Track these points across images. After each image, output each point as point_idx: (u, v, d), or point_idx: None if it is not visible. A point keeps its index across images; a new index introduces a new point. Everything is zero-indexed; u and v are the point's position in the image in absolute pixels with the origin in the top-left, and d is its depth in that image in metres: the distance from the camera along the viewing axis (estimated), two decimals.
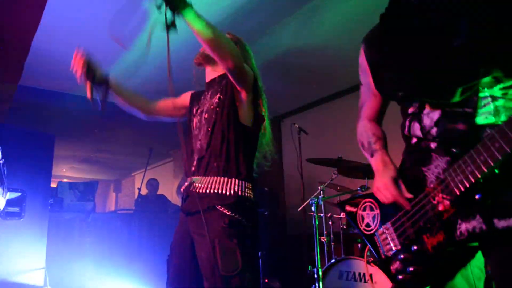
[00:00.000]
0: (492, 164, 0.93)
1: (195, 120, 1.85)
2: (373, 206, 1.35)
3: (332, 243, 3.41)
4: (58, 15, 3.27)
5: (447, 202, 1.06)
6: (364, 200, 1.39)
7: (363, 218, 1.37)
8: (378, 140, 1.35)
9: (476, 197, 1.00)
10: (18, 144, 3.47)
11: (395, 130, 1.38)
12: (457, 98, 1.03)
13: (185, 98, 2.01)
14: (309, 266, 3.08)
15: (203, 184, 1.66)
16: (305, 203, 3.45)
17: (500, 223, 0.94)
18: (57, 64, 4.11)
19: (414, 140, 1.21)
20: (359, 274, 2.81)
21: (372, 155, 1.34)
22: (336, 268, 3.02)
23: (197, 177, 1.70)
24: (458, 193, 1.03)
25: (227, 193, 1.61)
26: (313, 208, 3.19)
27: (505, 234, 0.94)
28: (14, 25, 3.40)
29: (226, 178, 1.64)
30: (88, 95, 1.78)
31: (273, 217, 5.21)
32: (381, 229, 1.29)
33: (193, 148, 1.80)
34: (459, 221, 1.03)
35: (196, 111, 1.86)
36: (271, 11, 3.38)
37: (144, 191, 6.04)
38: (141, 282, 4.33)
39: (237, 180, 1.64)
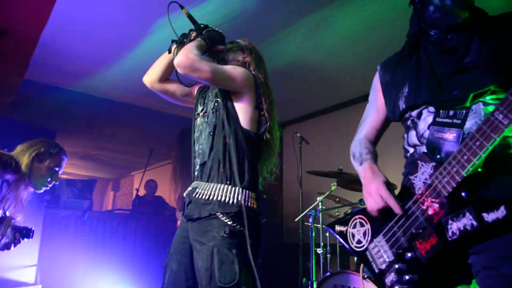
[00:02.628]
0: (474, 161, 1.01)
1: (198, 121, 1.81)
2: (363, 221, 1.36)
3: (328, 255, 3.38)
4: (67, 11, 3.27)
5: (436, 205, 1.12)
6: (354, 218, 1.39)
7: (353, 236, 1.38)
8: (369, 153, 1.41)
9: (463, 194, 1.05)
10: (19, 138, 3.44)
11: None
12: (467, 104, 1.12)
13: (193, 90, 1.96)
14: (304, 279, 3.05)
15: (206, 190, 1.62)
16: (303, 213, 3.42)
17: (490, 217, 0.98)
18: (63, 60, 4.12)
19: (410, 151, 1.29)
20: None
21: (361, 164, 1.40)
22: (331, 281, 2.98)
23: (200, 182, 1.67)
24: (446, 194, 1.08)
25: (230, 201, 1.58)
26: (310, 220, 3.17)
27: (495, 227, 0.98)
28: (23, 19, 3.41)
29: (229, 186, 1.60)
30: None
31: (270, 225, 5.18)
32: (373, 243, 1.29)
33: (194, 150, 1.77)
34: (450, 222, 1.07)
35: (201, 111, 1.82)
36: (278, 21, 3.39)
37: (142, 192, 6.01)
38: (133, 284, 4.30)
39: (241, 189, 1.60)
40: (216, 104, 1.72)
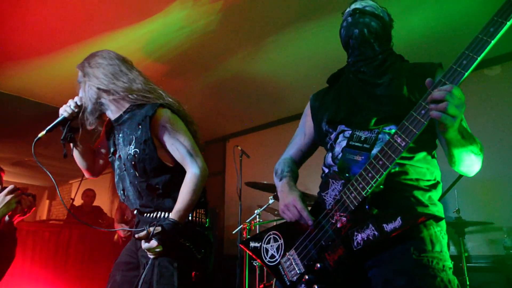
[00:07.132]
0: (377, 177, 1.15)
1: (115, 163, 1.73)
2: (277, 237, 1.44)
3: (264, 268, 3.44)
4: None
5: (344, 219, 1.23)
6: (268, 234, 1.47)
7: (267, 251, 1.45)
8: (290, 172, 1.53)
9: (367, 208, 1.18)
10: None
11: None
12: (371, 126, 1.30)
13: (104, 143, 1.86)
14: None
15: (153, 209, 1.65)
16: (240, 226, 3.47)
17: (389, 227, 1.12)
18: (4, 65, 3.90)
19: (325, 171, 1.42)
20: None
21: (280, 180, 1.51)
22: None
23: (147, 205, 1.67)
24: (352, 208, 1.20)
25: None
26: (245, 234, 3.22)
27: (393, 236, 1.12)
28: None
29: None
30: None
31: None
32: (286, 256, 1.37)
33: (120, 189, 1.73)
34: (356, 233, 1.18)
35: (113, 152, 1.74)
36: (225, 39, 3.46)
37: (79, 202, 5.75)
38: None
39: None
40: (135, 154, 1.62)
